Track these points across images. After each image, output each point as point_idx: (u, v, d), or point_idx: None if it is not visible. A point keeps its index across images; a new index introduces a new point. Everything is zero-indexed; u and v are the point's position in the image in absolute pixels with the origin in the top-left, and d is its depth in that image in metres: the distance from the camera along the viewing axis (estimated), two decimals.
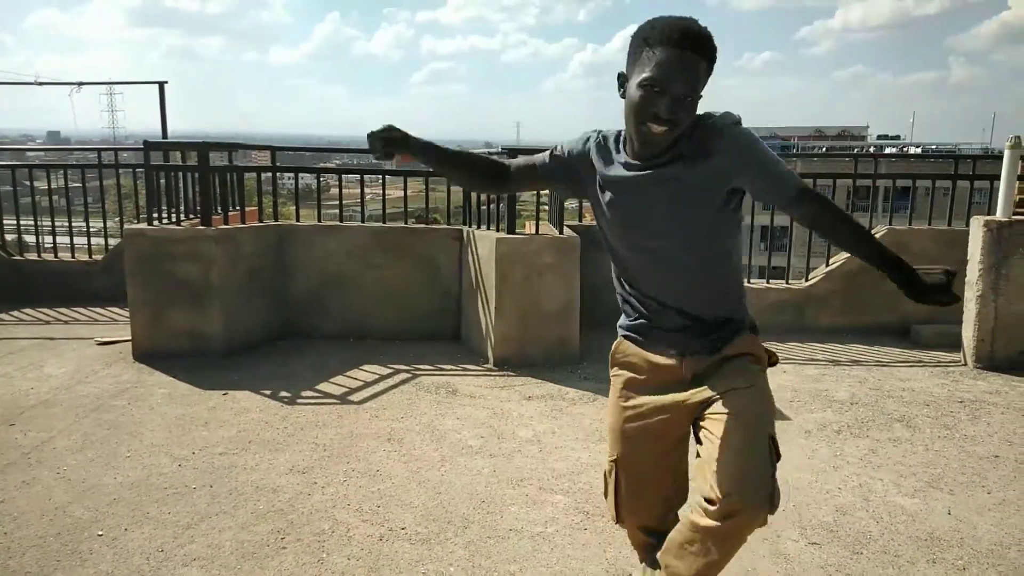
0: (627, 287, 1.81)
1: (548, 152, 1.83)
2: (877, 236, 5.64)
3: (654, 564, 1.88)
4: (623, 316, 1.87)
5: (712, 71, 1.56)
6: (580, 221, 5.92)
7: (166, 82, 7.82)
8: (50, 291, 6.09)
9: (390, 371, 4.47)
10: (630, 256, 1.75)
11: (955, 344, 4.95)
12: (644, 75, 1.50)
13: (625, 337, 1.86)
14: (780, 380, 4.45)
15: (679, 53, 1.48)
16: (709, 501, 1.52)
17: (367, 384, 4.26)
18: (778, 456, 1.59)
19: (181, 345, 4.64)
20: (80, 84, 9.68)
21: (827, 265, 5.75)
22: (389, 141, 1.75)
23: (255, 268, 4.98)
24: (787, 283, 5.76)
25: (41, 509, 2.79)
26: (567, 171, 1.80)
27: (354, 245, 5.20)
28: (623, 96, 1.58)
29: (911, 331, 5.42)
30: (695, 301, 1.72)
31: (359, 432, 3.58)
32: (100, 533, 2.63)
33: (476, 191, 4.36)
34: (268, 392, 4.07)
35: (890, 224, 5.67)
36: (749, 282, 5.79)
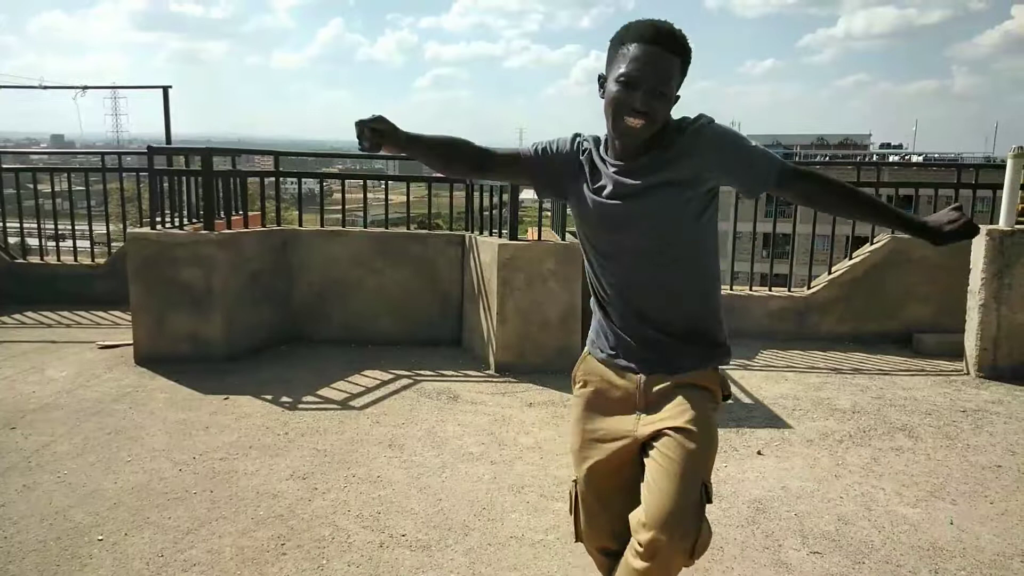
0: (604, 295, 1.77)
1: (532, 146, 1.80)
2: (880, 244, 5.62)
3: None
4: (593, 331, 1.85)
5: (686, 71, 1.60)
6: None
7: (170, 86, 7.85)
8: (53, 294, 6.10)
9: (391, 377, 4.46)
10: (608, 263, 1.73)
11: (957, 353, 4.94)
12: (619, 71, 1.55)
13: (591, 353, 1.83)
14: (782, 388, 4.45)
15: (651, 49, 1.54)
16: (639, 543, 1.57)
17: (368, 390, 4.26)
18: (709, 500, 1.60)
19: (183, 349, 4.64)
20: (85, 88, 9.73)
21: (829, 273, 5.75)
22: (377, 132, 1.66)
23: (257, 273, 4.99)
24: (789, 291, 5.76)
25: (41, 513, 2.79)
26: (550, 169, 1.77)
27: (356, 250, 5.20)
28: (603, 96, 1.61)
29: (913, 340, 5.41)
30: (672, 313, 1.70)
31: (360, 438, 3.57)
32: (100, 538, 2.63)
33: (455, 176, 4.25)
34: (269, 397, 4.07)
35: (893, 232, 5.67)
36: (751, 289, 5.79)
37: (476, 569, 2.49)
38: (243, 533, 2.68)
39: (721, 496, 3.05)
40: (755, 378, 4.65)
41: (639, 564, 1.57)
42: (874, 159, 39.05)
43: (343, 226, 5.46)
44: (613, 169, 1.66)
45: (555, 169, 1.76)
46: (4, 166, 6.40)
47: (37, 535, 2.64)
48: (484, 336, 4.79)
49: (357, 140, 1.68)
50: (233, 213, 5.19)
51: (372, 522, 2.79)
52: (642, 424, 1.70)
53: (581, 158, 1.73)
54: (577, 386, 1.86)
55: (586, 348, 1.86)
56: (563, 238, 4.87)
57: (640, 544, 1.56)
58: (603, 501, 1.81)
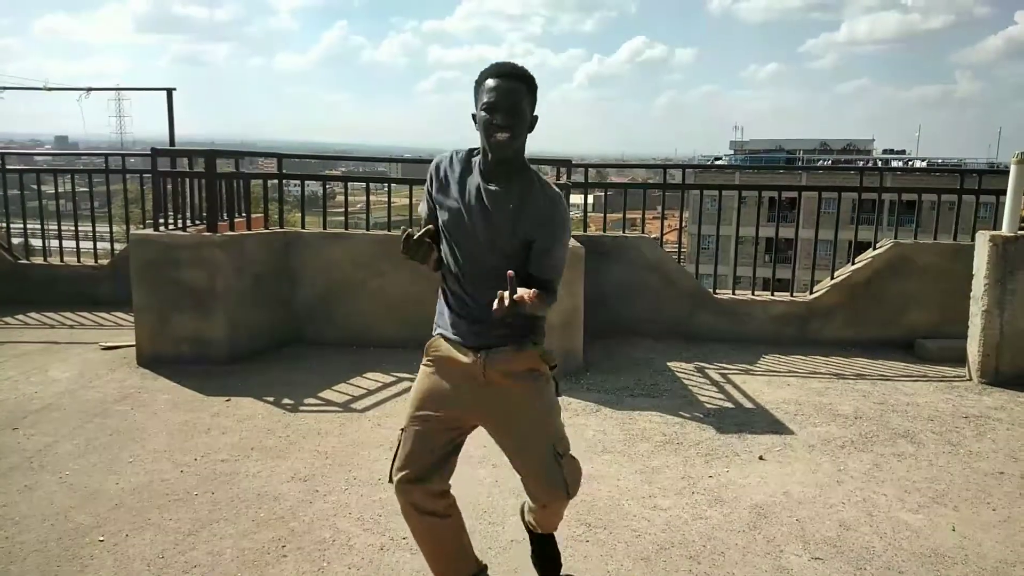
0: (451, 284, 2.10)
1: (425, 199, 2.14)
2: (883, 249, 5.63)
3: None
4: (440, 315, 2.15)
5: (535, 95, 2.00)
6: (584, 231, 5.92)
7: (174, 89, 7.86)
8: (56, 295, 6.11)
9: (393, 379, 4.46)
10: (459, 256, 2.04)
11: (960, 359, 4.93)
12: (483, 101, 1.95)
13: (440, 335, 2.13)
14: (784, 393, 4.44)
15: (502, 81, 1.95)
16: (534, 504, 2.24)
17: (370, 392, 4.26)
18: (564, 453, 2.11)
19: (185, 351, 4.64)
20: (89, 89, 9.75)
21: (832, 278, 5.74)
22: (422, 247, 1.96)
23: (260, 275, 4.99)
24: (791, 295, 5.75)
25: (43, 514, 2.79)
26: (432, 199, 2.10)
27: (359, 253, 5.20)
28: (476, 126, 1.99)
29: (916, 345, 5.40)
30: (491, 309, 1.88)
31: (361, 440, 3.57)
32: (101, 539, 2.63)
33: None
34: (271, 399, 4.08)
35: (895, 238, 5.66)
36: (754, 294, 5.78)
37: None
38: (244, 535, 2.68)
39: (723, 501, 3.05)
40: (757, 383, 4.65)
41: (540, 512, 2.25)
42: (877, 164, 39.03)
43: (346, 229, 5.46)
44: (481, 181, 2.02)
45: (433, 196, 2.10)
46: (8, 167, 6.41)
47: (38, 535, 2.64)
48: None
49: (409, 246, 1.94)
50: (236, 215, 5.20)
51: (373, 525, 2.79)
52: (486, 410, 2.12)
53: (445, 168, 2.09)
54: (427, 359, 2.17)
55: (436, 331, 2.17)
56: None
57: (536, 504, 2.21)
58: (423, 447, 2.07)
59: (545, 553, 2.39)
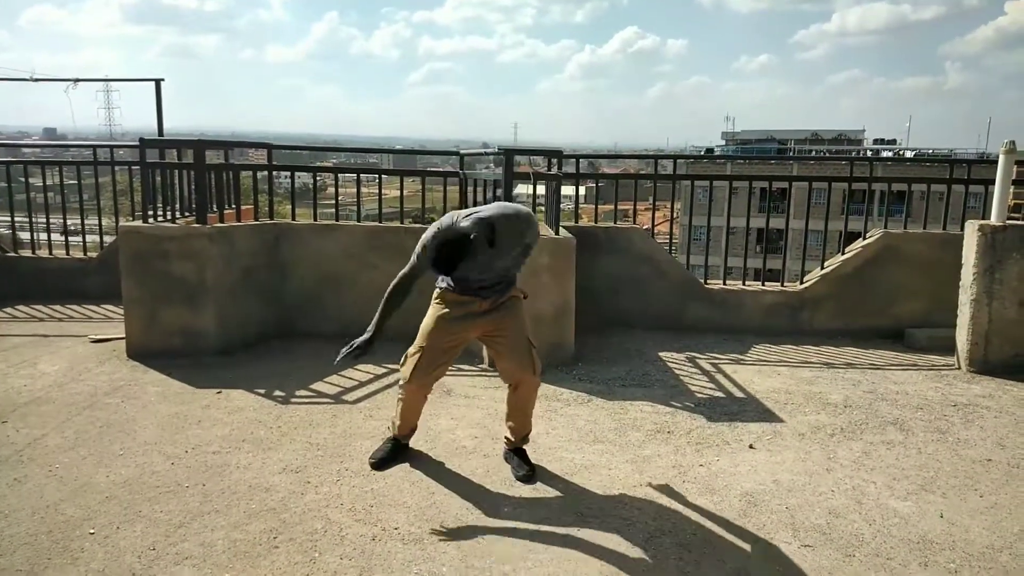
0: (462, 276, 2.95)
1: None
2: (873, 239, 5.71)
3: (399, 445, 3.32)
4: (450, 284, 3.04)
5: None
6: (576, 222, 5.92)
7: (163, 79, 7.79)
8: (44, 288, 6.07)
9: (385, 371, 4.46)
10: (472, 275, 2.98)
11: (949, 348, 4.96)
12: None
13: (451, 290, 3.05)
14: (774, 383, 4.46)
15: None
16: (511, 386, 3.15)
17: (361, 384, 4.26)
18: (533, 345, 3.08)
19: (175, 343, 4.63)
20: (76, 81, 9.64)
21: (822, 268, 5.76)
22: (364, 352, 3.07)
23: (250, 267, 4.97)
24: (782, 286, 5.77)
25: (32, 507, 2.78)
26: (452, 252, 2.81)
27: (350, 244, 5.19)
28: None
29: (905, 335, 5.43)
30: (498, 277, 3.03)
31: (353, 432, 3.57)
32: (92, 531, 2.62)
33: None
34: (262, 391, 4.07)
35: (885, 227, 5.69)
36: (744, 284, 5.80)
37: (468, 562, 2.50)
38: (235, 526, 2.68)
39: (713, 489, 3.07)
40: (747, 372, 4.67)
41: (517, 391, 3.13)
42: (868, 155, 39.14)
43: (336, 220, 5.44)
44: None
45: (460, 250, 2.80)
46: None
47: (28, 528, 2.63)
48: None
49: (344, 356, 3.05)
50: (226, 207, 5.17)
51: (365, 515, 2.79)
52: (486, 321, 3.07)
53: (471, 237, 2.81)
54: (440, 302, 3.09)
55: (446, 288, 3.07)
56: (557, 232, 4.86)
57: (511, 386, 3.14)
58: (436, 361, 3.08)
59: (523, 463, 3.20)
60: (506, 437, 3.28)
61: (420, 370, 3.06)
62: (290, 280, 5.21)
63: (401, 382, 3.16)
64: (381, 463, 3.22)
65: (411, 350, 3.09)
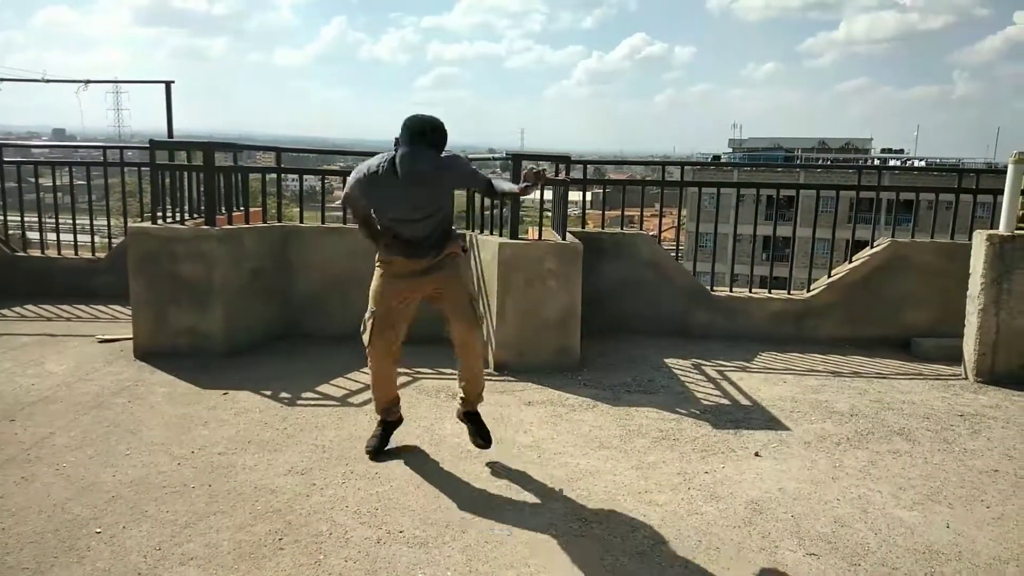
0: (394, 233, 3.13)
1: (355, 186, 3.07)
2: (880, 248, 5.73)
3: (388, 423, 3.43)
4: (387, 249, 3.16)
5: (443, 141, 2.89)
6: (582, 228, 5.92)
7: (173, 82, 7.84)
8: (53, 288, 6.10)
9: None
10: (397, 221, 3.08)
11: (956, 357, 4.94)
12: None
13: (391, 254, 3.16)
14: (780, 391, 4.46)
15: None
16: (457, 345, 3.22)
17: (367, 386, 4.24)
18: (475, 300, 3.22)
19: (182, 344, 4.64)
20: (87, 82, 9.70)
21: (828, 276, 5.75)
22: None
23: (258, 268, 4.99)
24: (788, 293, 5.77)
25: (39, 505, 2.79)
26: (364, 188, 3.05)
27: (356, 247, 5.17)
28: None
29: (912, 343, 5.42)
30: (431, 235, 3.12)
31: (359, 434, 3.58)
32: (98, 530, 2.63)
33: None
34: (268, 392, 4.08)
35: (893, 236, 5.68)
36: (751, 292, 5.79)
37: (473, 566, 2.50)
38: (241, 527, 2.69)
39: (719, 496, 3.06)
40: (753, 380, 4.66)
41: (463, 348, 3.21)
42: (875, 163, 39.06)
43: (344, 223, 5.45)
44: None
45: (365, 186, 3.05)
46: (5, 159, 6.39)
47: (35, 527, 2.64)
48: (484, 335, 4.79)
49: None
50: (234, 209, 5.19)
51: (370, 518, 2.79)
52: (427, 280, 3.17)
53: (381, 172, 2.98)
54: (383, 266, 3.20)
55: (387, 254, 3.18)
56: (564, 238, 4.87)
57: (459, 343, 3.22)
58: (390, 320, 3.19)
59: (479, 430, 3.32)
60: (460, 398, 3.34)
61: (377, 332, 3.18)
62: (297, 282, 5.22)
63: (367, 350, 3.25)
64: (375, 452, 3.32)
65: (365, 316, 3.22)
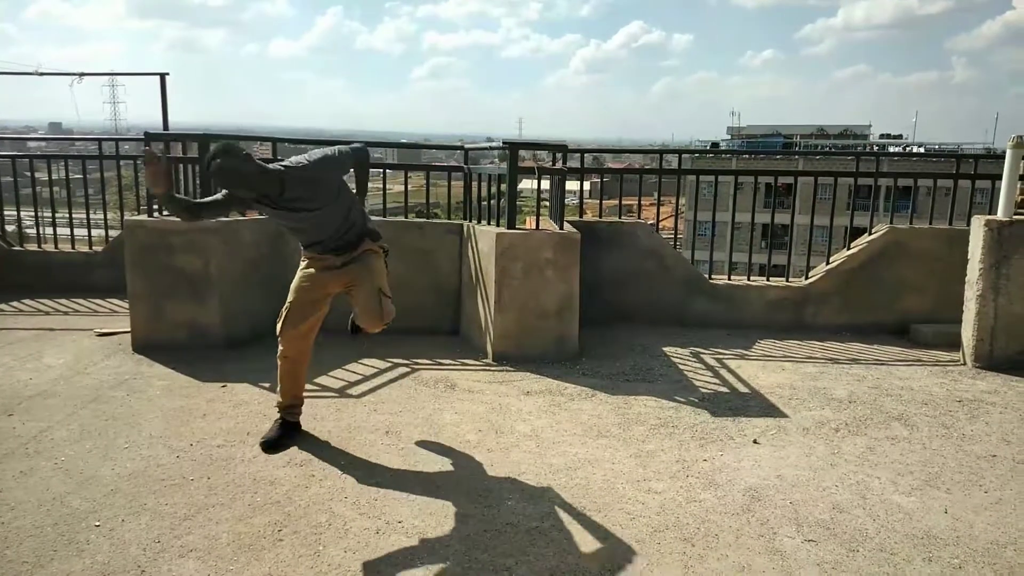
0: (305, 239, 3.30)
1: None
2: (878, 234, 5.70)
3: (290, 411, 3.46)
4: (307, 249, 3.30)
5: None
6: (580, 217, 5.91)
7: (167, 73, 7.81)
8: (50, 282, 6.09)
9: (389, 365, 4.47)
10: (300, 227, 3.25)
11: (954, 343, 4.95)
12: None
13: (310, 254, 3.30)
14: (779, 378, 4.46)
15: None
16: (361, 327, 3.41)
17: (366, 378, 4.27)
18: (385, 295, 3.27)
19: (180, 337, 4.64)
20: (82, 75, 9.67)
21: (827, 264, 5.75)
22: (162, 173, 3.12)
23: (255, 260, 4.98)
24: (787, 281, 5.76)
25: (38, 499, 2.80)
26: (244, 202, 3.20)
27: None
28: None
29: (910, 330, 5.42)
30: (338, 234, 3.24)
31: (357, 425, 3.58)
32: (97, 523, 2.64)
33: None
34: (267, 385, 4.08)
35: (891, 223, 5.67)
36: (749, 279, 5.79)
37: (472, 555, 2.50)
38: (240, 519, 2.69)
39: (717, 484, 3.07)
40: (752, 367, 4.66)
41: (364, 326, 3.35)
42: (874, 149, 38.97)
43: None
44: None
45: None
46: (1, 153, 6.37)
47: (34, 521, 2.64)
48: (482, 325, 4.80)
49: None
50: None
51: (369, 509, 2.80)
52: (340, 274, 3.29)
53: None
54: (305, 261, 3.33)
55: (306, 253, 3.32)
56: (561, 227, 4.86)
57: (362, 326, 3.39)
58: (303, 313, 3.31)
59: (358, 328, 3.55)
60: (353, 322, 3.59)
61: (289, 322, 3.29)
62: (294, 274, 5.20)
63: (279, 339, 3.35)
64: (269, 445, 3.30)
65: (283, 307, 3.33)
